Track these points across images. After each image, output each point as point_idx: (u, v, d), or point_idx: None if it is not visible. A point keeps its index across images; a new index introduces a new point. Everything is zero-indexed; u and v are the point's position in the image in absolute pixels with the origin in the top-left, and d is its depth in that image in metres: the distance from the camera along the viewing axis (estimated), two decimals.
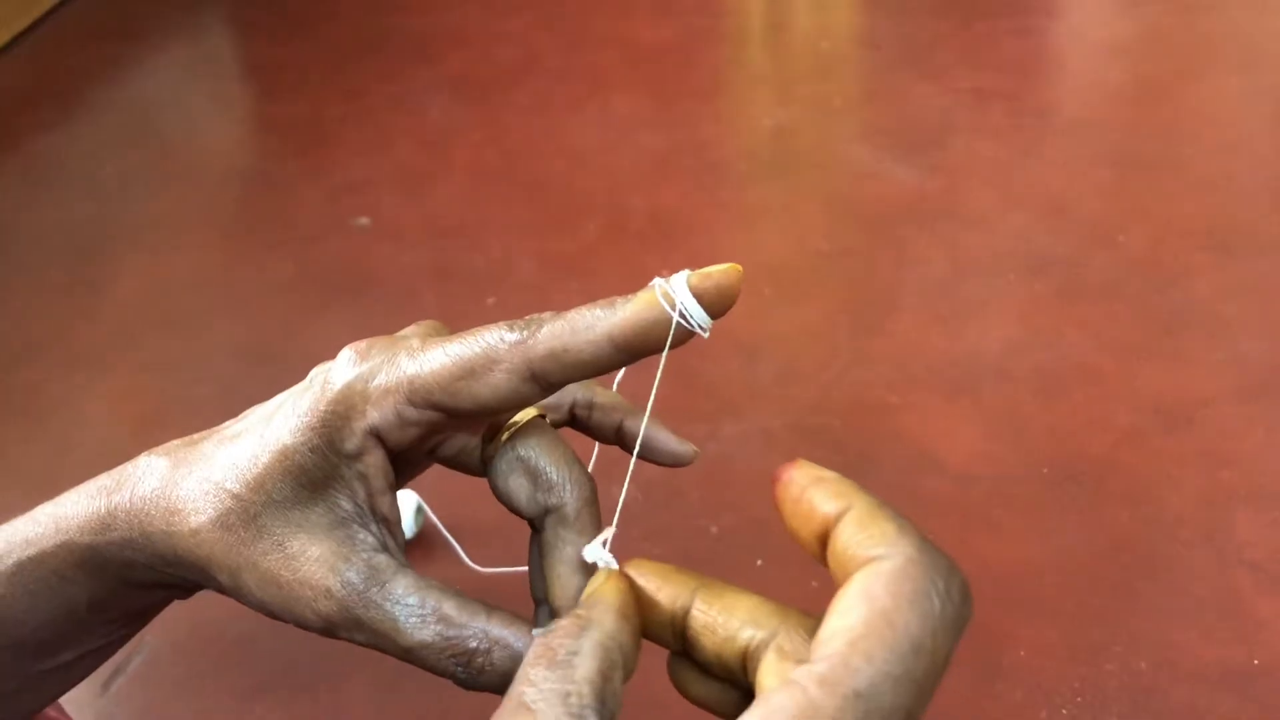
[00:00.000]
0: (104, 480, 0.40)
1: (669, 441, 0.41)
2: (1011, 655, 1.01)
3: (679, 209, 1.66)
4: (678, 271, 0.35)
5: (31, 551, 0.39)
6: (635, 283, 1.55)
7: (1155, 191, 1.63)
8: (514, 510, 0.39)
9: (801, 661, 0.29)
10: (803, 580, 1.10)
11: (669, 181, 1.73)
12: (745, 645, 0.32)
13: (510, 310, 1.45)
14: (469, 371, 0.36)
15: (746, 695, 0.33)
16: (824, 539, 0.32)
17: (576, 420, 0.42)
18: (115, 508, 0.38)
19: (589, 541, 0.37)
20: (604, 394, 0.42)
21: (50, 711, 0.58)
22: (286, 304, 1.55)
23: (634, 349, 0.35)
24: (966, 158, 1.74)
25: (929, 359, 1.36)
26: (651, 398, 0.39)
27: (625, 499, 0.37)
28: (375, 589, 0.35)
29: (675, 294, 0.35)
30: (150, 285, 1.63)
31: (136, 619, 0.42)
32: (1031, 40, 2.11)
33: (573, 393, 0.42)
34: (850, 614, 0.28)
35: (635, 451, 0.40)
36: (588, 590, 0.34)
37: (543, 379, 0.36)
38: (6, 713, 0.42)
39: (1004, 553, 1.11)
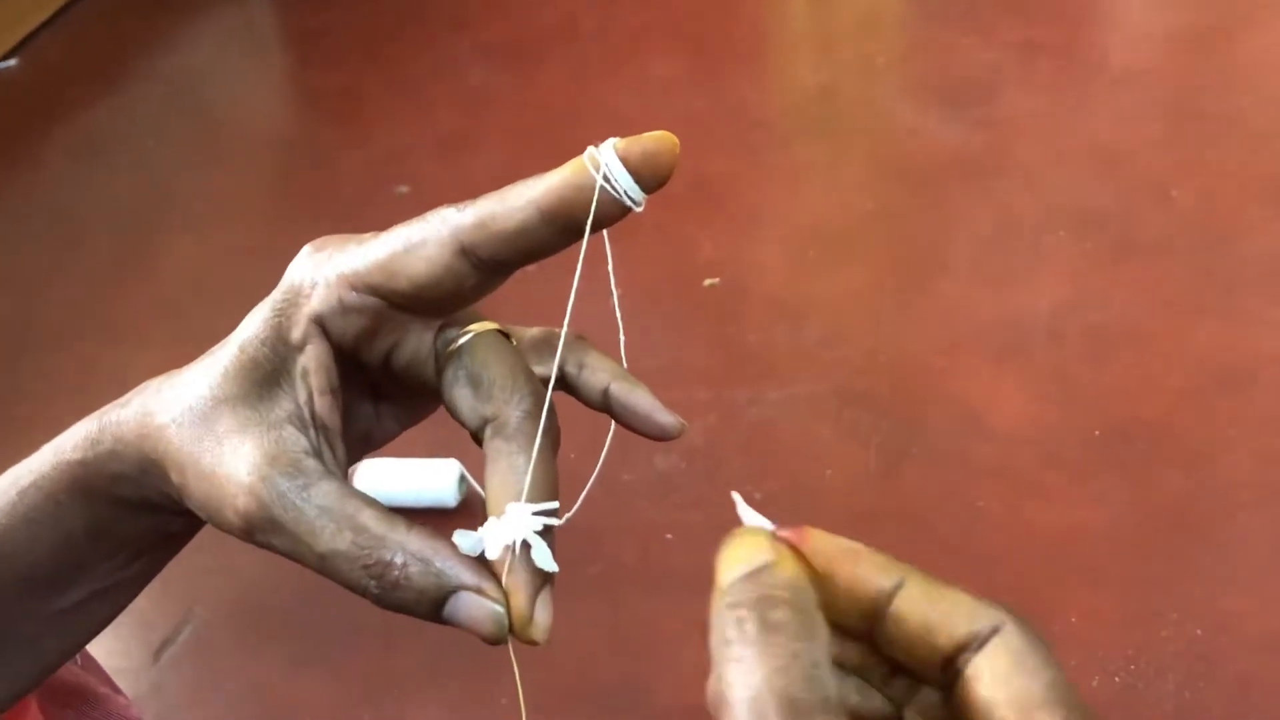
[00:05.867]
0: (104, 408, 0.41)
1: (653, 409, 0.39)
2: (1063, 621, 1.00)
3: (721, 171, 1.64)
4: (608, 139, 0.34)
5: (32, 478, 0.40)
6: (677, 247, 1.53)
7: (1209, 144, 1.59)
8: (460, 423, 0.38)
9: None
10: None
11: (710, 143, 1.71)
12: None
13: (550, 277, 1.44)
14: (404, 249, 0.36)
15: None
16: (872, 615, 0.30)
17: (566, 380, 0.40)
18: (104, 424, 0.39)
19: (525, 456, 0.35)
20: (596, 355, 0.40)
21: (99, 686, 0.58)
22: None
23: (560, 217, 0.35)
24: (1014, 113, 1.70)
25: (977, 320, 1.33)
26: (574, 288, 0.37)
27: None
28: (296, 491, 0.35)
29: (601, 159, 0.34)
30: (195, 257, 1.64)
31: (135, 553, 0.42)
32: None
33: (562, 354, 0.40)
34: (1030, 687, 0.28)
35: (615, 414, 0.39)
36: (736, 556, 0.30)
37: (472, 252, 0.36)
38: (34, 659, 0.43)
39: (1054, 517, 1.09)
